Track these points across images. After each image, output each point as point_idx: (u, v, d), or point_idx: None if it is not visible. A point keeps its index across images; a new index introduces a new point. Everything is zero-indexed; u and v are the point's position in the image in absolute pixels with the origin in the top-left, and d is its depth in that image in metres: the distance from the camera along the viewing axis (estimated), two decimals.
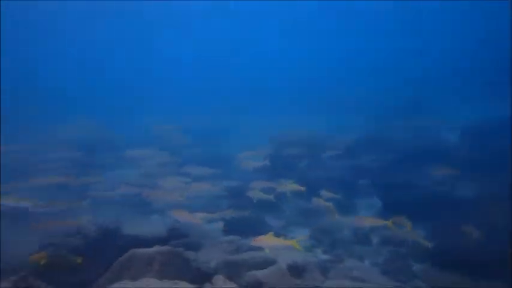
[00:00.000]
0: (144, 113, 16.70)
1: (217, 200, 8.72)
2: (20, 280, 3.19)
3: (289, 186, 7.71)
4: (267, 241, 4.88)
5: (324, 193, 7.52)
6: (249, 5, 37.80)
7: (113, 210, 7.08)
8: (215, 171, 9.28)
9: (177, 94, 27.39)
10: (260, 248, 5.06)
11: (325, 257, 6.30)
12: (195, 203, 7.28)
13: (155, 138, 13.01)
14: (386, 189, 8.83)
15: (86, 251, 5.11)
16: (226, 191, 8.89)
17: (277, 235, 5.36)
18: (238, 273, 4.57)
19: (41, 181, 7.28)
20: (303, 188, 7.42)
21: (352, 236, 7.08)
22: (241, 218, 7.55)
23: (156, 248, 4.65)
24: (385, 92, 20.60)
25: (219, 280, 4.05)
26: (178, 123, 14.19)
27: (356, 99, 19.60)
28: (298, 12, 37.87)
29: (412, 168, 9.23)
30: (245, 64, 39.92)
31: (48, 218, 5.79)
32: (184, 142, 12.65)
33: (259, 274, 4.35)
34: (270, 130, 14.05)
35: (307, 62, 38.60)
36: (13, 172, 7.99)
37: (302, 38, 40.51)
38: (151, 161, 9.90)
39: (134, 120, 15.29)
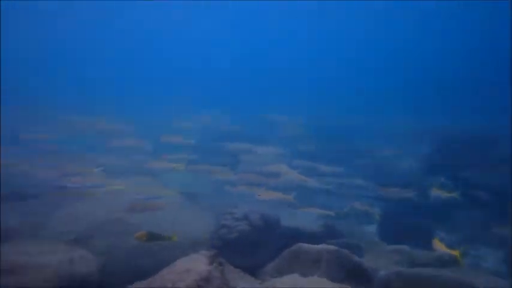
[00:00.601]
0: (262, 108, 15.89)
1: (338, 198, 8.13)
2: (214, 255, 3.58)
3: (449, 193, 6.49)
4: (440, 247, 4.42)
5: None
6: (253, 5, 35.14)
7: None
8: (340, 169, 8.66)
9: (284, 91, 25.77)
10: (444, 265, 4.16)
11: None
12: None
13: (274, 132, 12.70)
14: None
15: (251, 236, 5.36)
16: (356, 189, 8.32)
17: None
18: None
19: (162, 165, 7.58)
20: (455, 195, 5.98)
21: None
22: (404, 225, 6.60)
23: (323, 246, 4.42)
24: None
25: None
26: (298, 119, 13.41)
27: None
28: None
29: None
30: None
31: None
32: (304, 139, 12.16)
33: None
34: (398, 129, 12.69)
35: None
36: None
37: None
38: (267, 152, 9.75)
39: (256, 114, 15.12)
